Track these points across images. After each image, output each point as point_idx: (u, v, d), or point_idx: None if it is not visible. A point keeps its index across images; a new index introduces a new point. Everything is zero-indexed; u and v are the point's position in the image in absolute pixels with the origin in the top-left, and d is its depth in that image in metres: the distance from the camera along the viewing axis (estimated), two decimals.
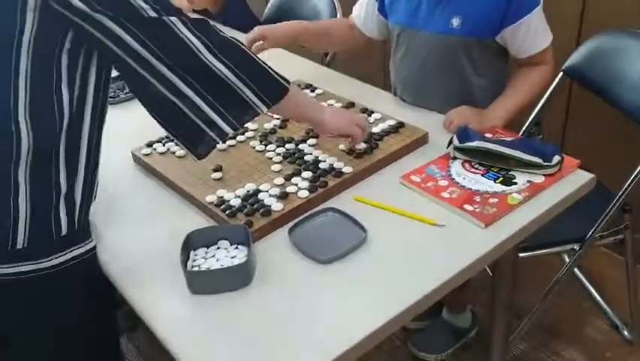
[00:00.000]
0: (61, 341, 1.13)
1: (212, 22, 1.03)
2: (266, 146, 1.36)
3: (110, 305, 1.19)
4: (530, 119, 1.81)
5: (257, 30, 1.54)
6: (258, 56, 1.08)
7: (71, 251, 1.06)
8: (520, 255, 1.45)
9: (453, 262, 1.04)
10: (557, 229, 1.33)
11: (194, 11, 2.30)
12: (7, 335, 1.14)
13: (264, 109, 1.07)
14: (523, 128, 1.82)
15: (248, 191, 1.21)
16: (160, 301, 1.02)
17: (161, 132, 1.40)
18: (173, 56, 0.95)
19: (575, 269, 1.92)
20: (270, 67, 1.08)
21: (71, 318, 1.11)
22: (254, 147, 1.36)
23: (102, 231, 1.18)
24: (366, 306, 0.97)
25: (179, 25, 0.96)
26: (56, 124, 0.97)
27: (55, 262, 1.04)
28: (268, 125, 1.43)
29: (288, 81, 1.11)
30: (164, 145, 1.39)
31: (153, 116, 1.03)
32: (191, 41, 0.97)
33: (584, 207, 1.27)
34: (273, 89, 1.08)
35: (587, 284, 2.02)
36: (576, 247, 1.57)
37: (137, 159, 1.38)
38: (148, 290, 1.04)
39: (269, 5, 2.41)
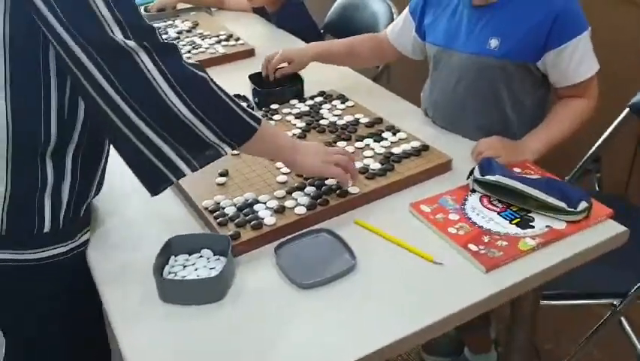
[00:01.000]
0: (46, 336, 1.13)
1: (180, 51, 0.95)
2: None
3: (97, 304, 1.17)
4: (589, 154, 1.66)
5: (282, 53, 1.54)
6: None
7: (53, 249, 1.05)
8: (543, 302, 1.33)
9: (444, 305, 0.95)
10: (591, 277, 1.20)
11: (253, 10, 2.28)
12: None
13: (228, 150, 1.00)
14: (580, 163, 1.68)
15: (246, 200, 1.16)
16: (132, 305, 0.99)
17: None
18: (132, 90, 0.89)
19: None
20: (238, 105, 1.00)
21: (53, 314, 1.11)
22: None
23: (98, 225, 1.17)
24: (344, 338, 0.90)
25: (143, 56, 0.88)
26: (41, 125, 0.95)
27: (35, 256, 1.04)
28: (287, 134, 1.38)
29: (258, 120, 1.03)
30: None
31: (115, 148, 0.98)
32: (153, 76, 0.89)
33: (626, 257, 1.14)
34: (239, 129, 1.00)
35: (633, 336, 1.83)
36: (615, 301, 1.42)
37: None
38: (123, 292, 1.01)
39: (330, 12, 2.37)
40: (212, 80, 0.98)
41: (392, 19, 2.04)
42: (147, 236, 1.13)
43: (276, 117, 1.46)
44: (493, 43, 1.26)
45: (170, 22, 2.15)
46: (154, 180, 0.98)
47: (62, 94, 0.95)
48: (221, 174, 1.24)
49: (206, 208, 1.14)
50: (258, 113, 1.06)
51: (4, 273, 1.05)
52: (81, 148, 1.02)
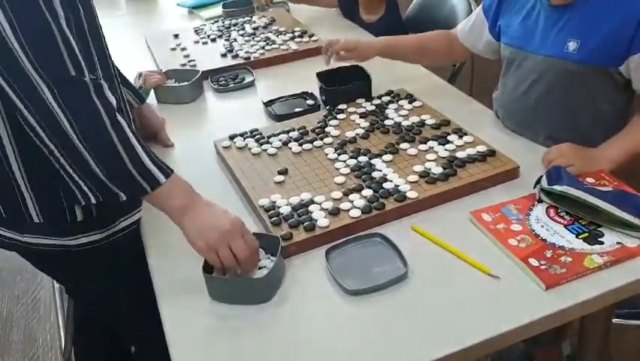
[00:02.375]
0: (105, 300, 1.23)
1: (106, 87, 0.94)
2: (339, 155, 1.29)
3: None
4: None
5: (347, 39, 1.52)
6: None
7: (88, 236, 1.10)
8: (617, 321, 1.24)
9: (497, 322, 0.90)
10: None
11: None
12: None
13: (122, 197, 0.97)
14: None
15: (302, 200, 1.15)
16: (182, 300, 1.01)
17: (249, 125, 1.42)
18: (44, 121, 0.89)
19: None
20: (142, 158, 0.94)
21: (105, 287, 1.19)
22: (327, 155, 1.30)
23: (155, 219, 1.20)
24: (391, 349, 0.88)
25: (47, 92, 0.87)
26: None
27: (72, 242, 1.09)
28: (350, 134, 1.36)
29: (162, 176, 0.97)
30: (244, 140, 1.38)
31: None
32: (56, 112, 0.88)
33: None
34: (135, 187, 0.96)
35: None
36: None
37: (216, 150, 1.39)
38: (175, 286, 1.04)
39: (411, 6, 2.31)
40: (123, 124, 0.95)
41: (471, 11, 1.97)
42: None
43: (340, 116, 1.44)
44: (572, 45, 1.18)
45: (247, 18, 2.18)
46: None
47: None
48: (280, 172, 1.24)
49: (261, 207, 1.15)
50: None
51: (53, 254, 1.11)
52: None
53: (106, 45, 1.12)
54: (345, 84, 1.54)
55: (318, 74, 1.58)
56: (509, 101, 1.34)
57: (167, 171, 0.98)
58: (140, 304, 1.15)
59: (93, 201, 1.03)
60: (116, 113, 0.93)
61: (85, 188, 1.01)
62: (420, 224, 1.10)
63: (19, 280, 2.38)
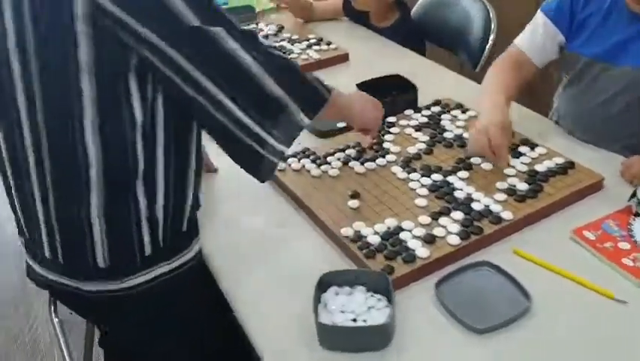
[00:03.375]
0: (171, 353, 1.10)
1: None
2: (409, 173, 1.21)
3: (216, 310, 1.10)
4: None
5: (493, 129, 1.17)
6: None
7: (156, 269, 1.01)
8: None
9: (638, 353, 0.84)
10: None
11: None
12: (122, 347, 1.17)
13: (307, 121, 1.00)
14: None
15: (388, 228, 1.07)
16: (285, 345, 0.91)
17: (298, 148, 1.32)
18: (216, 69, 0.89)
19: None
20: (313, 77, 1.04)
21: (172, 332, 1.07)
22: (395, 174, 1.21)
23: (221, 248, 1.10)
24: None
25: (224, 35, 0.88)
26: (128, 146, 0.91)
27: (139, 280, 1.00)
28: (412, 150, 1.28)
29: (329, 90, 1.05)
30: (299, 161, 1.28)
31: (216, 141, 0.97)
32: (237, 53, 0.89)
33: None
34: (314, 99, 1.02)
35: None
36: None
37: None
38: (269, 325, 0.94)
39: (414, 8, 2.23)
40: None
41: (488, 15, 1.92)
42: (275, 262, 1.07)
43: (393, 130, 1.36)
44: None
45: (253, 25, 2.06)
46: (258, 166, 0.98)
47: (148, 116, 0.91)
48: (353, 196, 1.15)
49: (346, 237, 1.06)
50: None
51: (114, 301, 1.01)
52: (168, 164, 0.97)
53: None
54: (385, 95, 1.46)
55: (359, 85, 1.49)
56: (583, 111, 1.28)
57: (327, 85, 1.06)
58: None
59: (280, 148, 0.97)
60: None
61: (267, 136, 0.95)
62: (520, 246, 1.04)
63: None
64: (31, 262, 1.06)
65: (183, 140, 0.98)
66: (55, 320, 2.30)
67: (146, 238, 0.98)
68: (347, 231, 1.07)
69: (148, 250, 0.99)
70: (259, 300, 1.00)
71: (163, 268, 1.02)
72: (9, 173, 0.99)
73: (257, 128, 0.93)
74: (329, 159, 1.28)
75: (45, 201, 0.95)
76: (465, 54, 2.01)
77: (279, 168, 1.25)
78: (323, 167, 1.25)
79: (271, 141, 0.95)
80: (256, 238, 1.13)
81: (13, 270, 2.38)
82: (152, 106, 0.91)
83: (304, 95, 0.99)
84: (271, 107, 0.94)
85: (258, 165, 0.97)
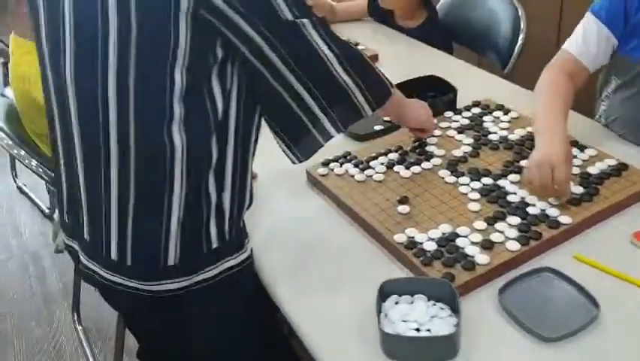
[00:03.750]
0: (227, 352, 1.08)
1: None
2: (457, 177, 1.18)
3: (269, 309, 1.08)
4: None
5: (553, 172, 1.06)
6: None
7: (222, 264, 0.98)
8: None
9: None
10: None
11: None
12: (179, 350, 1.13)
13: (370, 112, 1.04)
14: None
15: (443, 233, 1.04)
16: (344, 352, 0.88)
17: (338, 151, 1.29)
18: (299, 61, 0.92)
19: None
20: (379, 70, 1.08)
21: (232, 328, 1.06)
22: (442, 178, 1.19)
23: (273, 257, 1.07)
24: None
25: (310, 29, 0.92)
26: (209, 137, 0.92)
27: (205, 275, 0.97)
28: (457, 152, 1.25)
29: (391, 84, 1.11)
30: (341, 166, 1.25)
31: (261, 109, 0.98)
32: (319, 47, 0.93)
33: None
34: (381, 92, 1.07)
35: None
36: None
37: (311, 179, 1.25)
38: (329, 335, 0.92)
39: (438, 6, 2.20)
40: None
41: (517, 14, 1.89)
42: (324, 267, 1.04)
43: (436, 132, 1.33)
44: None
45: None
46: (301, 140, 0.99)
47: (225, 106, 0.92)
48: (401, 201, 1.12)
49: (400, 243, 1.03)
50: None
51: (176, 299, 0.98)
52: (235, 154, 0.96)
53: None
54: (421, 96, 1.43)
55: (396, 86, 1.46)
56: (636, 114, 1.24)
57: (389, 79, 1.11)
58: None
59: (332, 131, 1.00)
60: None
61: (323, 117, 0.98)
62: (580, 250, 1.01)
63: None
64: (89, 264, 1.01)
65: (247, 130, 0.97)
66: (79, 328, 2.27)
67: (213, 231, 0.96)
68: (400, 237, 1.04)
69: (215, 242, 0.96)
70: (315, 307, 0.97)
71: (228, 263, 1.00)
72: (80, 173, 0.95)
73: (316, 109, 0.96)
74: (372, 163, 1.25)
75: (123, 203, 0.92)
76: (494, 54, 1.98)
77: (320, 173, 1.23)
78: (367, 171, 1.22)
79: (325, 122, 0.98)
80: (301, 242, 1.11)
81: (34, 278, 2.36)
82: (228, 96, 0.92)
83: (372, 87, 1.03)
84: (339, 94, 0.98)
85: (302, 137, 0.98)
